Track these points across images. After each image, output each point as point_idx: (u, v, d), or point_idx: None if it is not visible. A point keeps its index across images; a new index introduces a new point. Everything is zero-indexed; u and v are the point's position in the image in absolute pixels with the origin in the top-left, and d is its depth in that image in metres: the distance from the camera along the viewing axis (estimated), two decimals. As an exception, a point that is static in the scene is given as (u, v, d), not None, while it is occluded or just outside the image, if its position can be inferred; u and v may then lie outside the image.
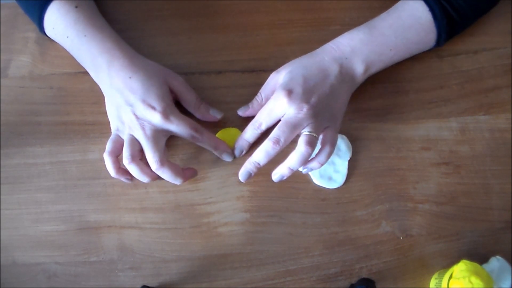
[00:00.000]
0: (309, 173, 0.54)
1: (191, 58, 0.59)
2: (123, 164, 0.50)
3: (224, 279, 0.53)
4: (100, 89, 0.56)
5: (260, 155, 0.49)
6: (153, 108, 0.49)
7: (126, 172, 0.51)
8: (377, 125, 0.57)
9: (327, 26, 0.60)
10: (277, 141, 0.48)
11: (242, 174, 0.51)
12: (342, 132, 0.56)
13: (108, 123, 0.56)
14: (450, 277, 0.48)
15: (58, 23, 0.54)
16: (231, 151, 0.54)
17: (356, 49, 0.52)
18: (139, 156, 0.50)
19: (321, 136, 0.50)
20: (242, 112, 0.55)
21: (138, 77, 0.50)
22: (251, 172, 0.50)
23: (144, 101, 0.49)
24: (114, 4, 0.60)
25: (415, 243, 0.54)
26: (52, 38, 0.57)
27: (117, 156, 0.51)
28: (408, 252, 0.54)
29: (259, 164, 0.49)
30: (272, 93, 0.51)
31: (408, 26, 0.53)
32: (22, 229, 0.54)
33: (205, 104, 0.55)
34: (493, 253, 0.52)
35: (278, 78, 0.53)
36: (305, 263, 0.53)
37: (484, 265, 0.51)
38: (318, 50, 0.54)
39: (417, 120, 0.57)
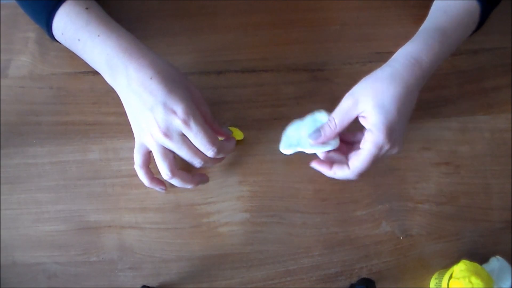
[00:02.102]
0: (299, 149, 0.52)
1: (191, 58, 0.59)
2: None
3: (224, 279, 0.53)
4: (100, 89, 0.56)
5: (342, 175, 0.49)
6: (174, 112, 0.45)
7: (160, 182, 0.51)
8: (377, 125, 0.57)
9: (327, 26, 0.60)
10: (360, 176, 0.48)
11: (314, 167, 0.51)
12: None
13: (108, 123, 0.57)
14: (450, 277, 0.48)
15: (69, 27, 0.51)
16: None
17: (433, 62, 0.48)
18: (177, 166, 0.48)
19: None
20: (314, 139, 0.49)
21: (160, 78, 0.46)
22: (321, 171, 0.51)
23: (165, 105, 0.45)
24: (114, 4, 0.60)
25: (415, 243, 0.54)
26: (62, 43, 0.53)
27: (148, 165, 0.50)
28: (408, 252, 0.54)
29: (334, 177, 0.50)
30: (348, 121, 0.48)
31: (465, 24, 0.51)
32: (22, 229, 0.54)
33: (217, 121, 0.52)
34: (493, 253, 0.52)
35: (359, 107, 0.47)
36: (305, 263, 0.53)
37: (484, 265, 0.51)
38: (398, 66, 0.47)
39: (417, 120, 0.57)
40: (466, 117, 0.57)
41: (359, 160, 0.47)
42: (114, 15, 0.59)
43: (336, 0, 0.61)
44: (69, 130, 0.57)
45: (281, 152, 0.52)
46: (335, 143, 0.50)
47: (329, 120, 0.49)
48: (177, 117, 0.45)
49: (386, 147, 0.46)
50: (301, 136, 0.52)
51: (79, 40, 0.50)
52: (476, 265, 0.47)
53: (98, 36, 0.49)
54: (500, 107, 0.58)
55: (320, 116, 0.53)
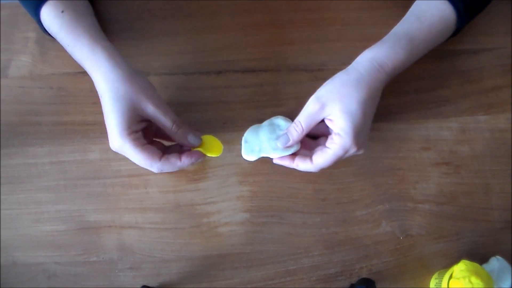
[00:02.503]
0: (263, 154, 0.53)
1: (191, 58, 0.59)
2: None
3: (224, 279, 0.53)
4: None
5: (304, 168, 0.50)
6: (112, 136, 0.48)
7: (190, 155, 0.50)
8: (377, 125, 0.57)
9: (327, 26, 0.60)
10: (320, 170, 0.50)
11: (277, 163, 0.52)
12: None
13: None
14: (450, 277, 0.48)
15: (51, 30, 0.53)
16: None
17: (397, 68, 0.50)
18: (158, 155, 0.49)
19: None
20: (283, 144, 0.51)
21: (104, 100, 0.48)
22: (287, 166, 0.52)
23: (107, 125, 0.48)
24: (114, 4, 0.60)
25: (415, 243, 0.54)
26: None
27: (160, 157, 0.49)
28: (408, 252, 0.54)
29: (296, 168, 0.51)
30: (314, 124, 0.49)
31: (437, 32, 0.52)
32: (22, 229, 0.54)
33: (184, 130, 0.50)
34: (493, 253, 0.52)
35: (325, 111, 0.49)
36: (305, 263, 0.53)
37: (484, 265, 0.51)
38: (363, 71, 0.49)
39: (417, 120, 0.57)
40: (466, 117, 0.57)
41: (323, 157, 0.49)
42: (115, 15, 0.60)
43: (336, 0, 0.61)
44: (69, 130, 0.57)
45: (244, 158, 0.53)
46: (296, 147, 0.52)
47: (295, 123, 0.50)
48: (114, 143, 0.48)
49: (353, 150, 0.48)
50: (262, 140, 0.53)
51: (61, 42, 0.53)
52: (476, 265, 0.47)
53: (68, 46, 0.52)
54: (500, 107, 0.58)
55: (277, 121, 0.55)
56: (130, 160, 0.49)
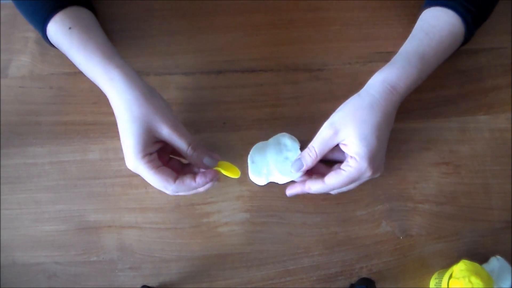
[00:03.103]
0: (271, 179, 0.54)
1: (191, 58, 0.59)
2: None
3: (224, 279, 0.53)
4: (99, 89, 0.56)
5: (316, 189, 0.50)
6: (127, 158, 0.48)
7: (204, 175, 0.49)
8: (377, 125, 0.57)
9: (327, 26, 0.60)
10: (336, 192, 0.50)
11: (291, 194, 0.52)
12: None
13: (108, 123, 0.57)
14: (450, 277, 0.48)
15: (59, 47, 0.53)
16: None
17: (410, 87, 0.50)
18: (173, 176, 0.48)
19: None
20: (296, 169, 0.50)
21: (120, 120, 0.48)
22: (300, 194, 0.52)
23: (123, 147, 0.48)
24: (114, 4, 0.60)
25: (415, 243, 0.54)
26: None
27: (174, 179, 0.48)
28: (408, 252, 0.54)
29: (309, 192, 0.51)
30: (328, 149, 0.49)
31: (447, 46, 0.52)
32: (22, 229, 0.54)
33: (200, 152, 0.49)
34: (493, 253, 0.52)
35: (339, 136, 0.48)
36: (305, 263, 0.53)
37: (484, 265, 0.51)
38: (376, 94, 0.48)
39: (417, 120, 0.57)
40: (466, 117, 0.57)
41: (336, 178, 0.48)
42: (115, 15, 0.60)
43: (336, 0, 0.61)
44: (69, 130, 0.57)
45: (252, 181, 0.54)
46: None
47: (309, 149, 0.50)
48: (129, 165, 0.48)
49: (368, 173, 0.48)
50: (269, 162, 0.54)
51: (71, 60, 0.52)
52: (476, 265, 0.47)
53: (80, 64, 0.51)
54: (500, 107, 0.58)
55: (284, 140, 0.55)
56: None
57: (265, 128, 0.57)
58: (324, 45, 0.60)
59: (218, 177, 0.50)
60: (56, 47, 0.54)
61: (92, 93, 0.57)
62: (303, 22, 0.61)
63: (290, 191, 0.52)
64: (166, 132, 0.47)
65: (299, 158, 0.50)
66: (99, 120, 0.57)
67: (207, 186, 0.49)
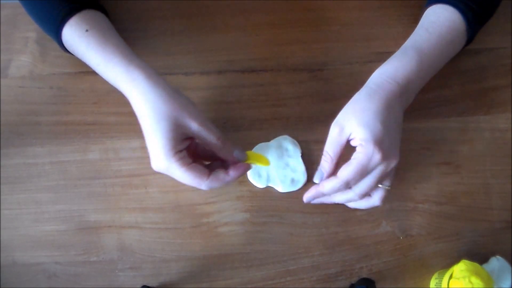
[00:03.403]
0: (271, 184, 0.54)
1: (191, 58, 0.59)
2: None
3: (224, 279, 0.53)
4: (100, 89, 0.56)
5: (339, 199, 0.49)
6: (156, 157, 0.46)
7: (237, 169, 0.49)
8: (377, 125, 0.57)
9: (327, 26, 0.60)
10: (362, 196, 0.48)
11: (308, 199, 0.50)
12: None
13: (108, 123, 0.57)
14: (450, 277, 0.48)
15: (75, 50, 0.52)
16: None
17: (411, 82, 0.50)
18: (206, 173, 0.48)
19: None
20: (319, 179, 0.50)
21: (145, 121, 0.47)
22: (319, 202, 0.51)
23: (149, 147, 0.47)
24: (114, 4, 0.60)
25: (415, 243, 0.54)
26: None
27: (208, 175, 0.48)
28: (408, 252, 0.54)
29: (331, 202, 0.50)
30: (341, 148, 0.48)
31: (448, 42, 0.51)
32: (22, 229, 0.54)
33: (229, 145, 0.49)
34: (493, 253, 0.52)
35: (345, 132, 0.48)
36: (305, 263, 0.53)
37: (484, 265, 0.51)
38: (373, 86, 0.49)
39: (417, 120, 0.57)
40: (466, 117, 0.57)
41: (348, 169, 0.47)
42: (115, 15, 0.60)
43: (336, 0, 0.61)
44: (69, 130, 0.57)
45: (250, 182, 0.54)
46: (303, 180, 0.54)
47: (324, 155, 0.49)
48: (159, 164, 0.46)
49: (377, 156, 0.46)
50: (269, 167, 0.54)
51: (88, 63, 0.51)
52: (476, 265, 0.47)
53: (98, 65, 0.50)
54: (500, 107, 0.58)
55: (286, 144, 0.55)
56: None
57: (265, 128, 0.57)
58: (324, 45, 0.60)
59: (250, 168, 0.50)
60: (69, 52, 0.54)
61: (92, 93, 0.57)
62: (303, 22, 0.61)
63: (306, 196, 0.50)
64: (195, 127, 0.47)
65: (319, 169, 0.50)
66: (99, 120, 0.57)
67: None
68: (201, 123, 0.47)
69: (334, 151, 0.48)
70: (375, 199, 0.50)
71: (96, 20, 0.52)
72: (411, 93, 0.50)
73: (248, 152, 0.51)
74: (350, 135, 0.47)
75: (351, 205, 0.51)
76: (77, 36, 0.50)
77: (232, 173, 0.48)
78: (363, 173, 0.47)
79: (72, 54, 0.54)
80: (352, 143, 0.48)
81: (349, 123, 0.47)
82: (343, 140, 0.48)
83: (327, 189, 0.48)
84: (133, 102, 0.48)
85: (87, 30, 0.50)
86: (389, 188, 0.50)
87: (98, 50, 0.49)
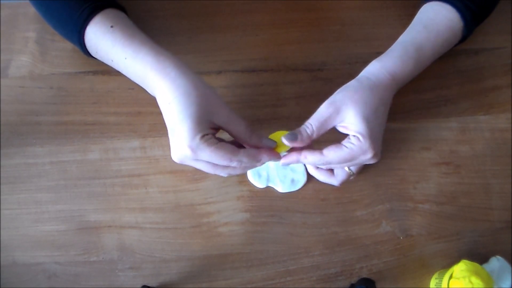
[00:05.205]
0: (271, 184, 0.55)
1: (191, 58, 0.59)
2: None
3: (224, 279, 0.53)
4: (100, 89, 0.56)
5: (313, 159, 0.47)
6: (181, 142, 0.45)
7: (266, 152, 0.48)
8: (377, 125, 0.57)
9: (327, 26, 0.60)
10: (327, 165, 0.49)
11: (285, 162, 0.49)
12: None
13: (108, 123, 0.57)
14: (450, 277, 0.48)
15: (99, 48, 0.52)
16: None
17: (406, 77, 0.51)
18: (228, 157, 0.46)
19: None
20: (288, 141, 0.47)
21: (175, 104, 0.46)
22: (294, 163, 0.49)
23: (175, 132, 0.46)
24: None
25: (415, 243, 0.54)
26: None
27: (238, 151, 0.47)
28: (408, 252, 0.54)
29: (304, 161, 0.48)
30: (326, 129, 0.47)
31: (445, 40, 0.52)
32: (22, 229, 0.54)
33: (257, 134, 0.48)
34: (493, 253, 0.52)
35: (339, 116, 0.47)
36: (305, 263, 0.53)
37: (484, 265, 0.51)
38: (374, 79, 0.49)
39: (417, 120, 0.57)
40: (466, 117, 0.57)
41: (336, 153, 0.46)
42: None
43: (336, 0, 0.61)
44: (69, 130, 0.57)
45: (250, 182, 0.54)
46: (303, 180, 0.54)
47: (305, 125, 0.47)
48: (185, 149, 0.45)
49: (369, 154, 0.46)
50: (269, 166, 0.55)
51: (112, 60, 0.51)
52: (476, 265, 0.47)
53: (125, 59, 0.49)
54: (500, 107, 0.58)
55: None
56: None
57: (265, 128, 0.57)
58: (324, 45, 0.60)
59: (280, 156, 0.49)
60: (89, 55, 0.54)
61: (92, 93, 0.57)
62: (303, 22, 0.61)
63: (285, 160, 0.49)
64: (223, 116, 0.47)
65: (295, 132, 0.48)
66: (99, 120, 0.57)
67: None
68: (229, 112, 0.47)
69: (319, 127, 0.47)
70: (335, 180, 0.52)
71: (119, 17, 0.52)
72: (401, 86, 0.51)
73: (272, 136, 0.49)
74: (342, 122, 0.47)
75: (312, 171, 0.53)
76: (102, 33, 0.50)
77: (265, 154, 0.47)
78: (349, 162, 0.47)
79: (94, 58, 0.54)
80: (342, 130, 0.48)
81: (347, 111, 0.46)
82: (333, 122, 0.47)
83: (308, 161, 0.48)
84: (162, 91, 0.47)
85: (112, 26, 0.50)
86: (352, 174, 0.51)
87: (125, 44, 0.49)
